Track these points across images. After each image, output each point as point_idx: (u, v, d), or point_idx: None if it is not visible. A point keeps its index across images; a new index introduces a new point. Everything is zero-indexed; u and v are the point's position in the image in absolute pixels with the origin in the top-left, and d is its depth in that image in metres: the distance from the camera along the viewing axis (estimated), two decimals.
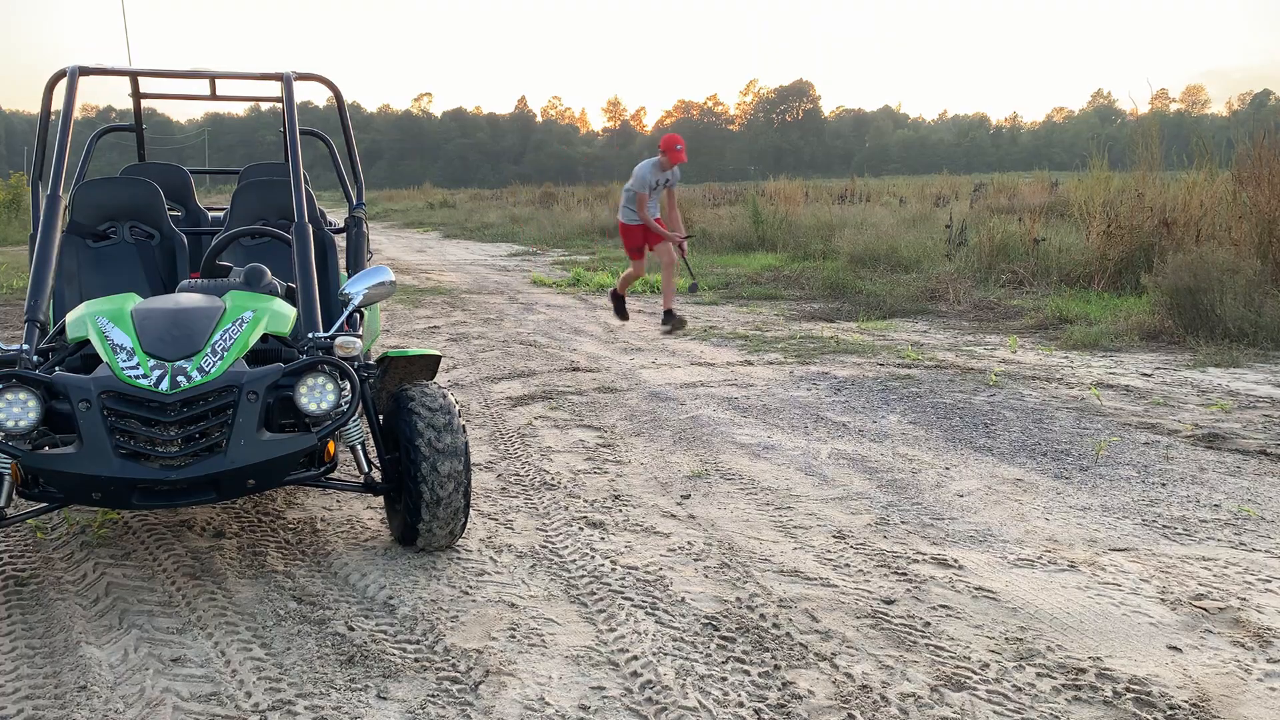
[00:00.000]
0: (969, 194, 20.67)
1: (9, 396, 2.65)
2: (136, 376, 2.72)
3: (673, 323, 8.22)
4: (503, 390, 5.86)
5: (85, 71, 3.74)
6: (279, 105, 4.33)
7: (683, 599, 2.92)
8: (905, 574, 3.10)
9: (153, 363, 2.76)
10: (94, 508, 3.50)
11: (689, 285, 9.17)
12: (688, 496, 3.89)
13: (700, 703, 2.34)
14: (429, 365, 3.52)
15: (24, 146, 48.63)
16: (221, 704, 2.34)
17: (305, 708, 2.32)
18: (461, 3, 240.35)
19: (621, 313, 8.60)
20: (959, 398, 5.56)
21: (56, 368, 2.98)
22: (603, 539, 3.42)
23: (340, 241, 4.51)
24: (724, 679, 2.45)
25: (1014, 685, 2.42)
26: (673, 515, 3.67)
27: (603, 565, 3.18)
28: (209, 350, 2.83)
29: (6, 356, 2.86)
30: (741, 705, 2.33)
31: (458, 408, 3.21)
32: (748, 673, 2.48)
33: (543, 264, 14.83)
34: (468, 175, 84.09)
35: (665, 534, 3.47)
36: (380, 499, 3.61)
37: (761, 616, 2.80)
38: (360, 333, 3.63)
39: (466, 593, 2.97)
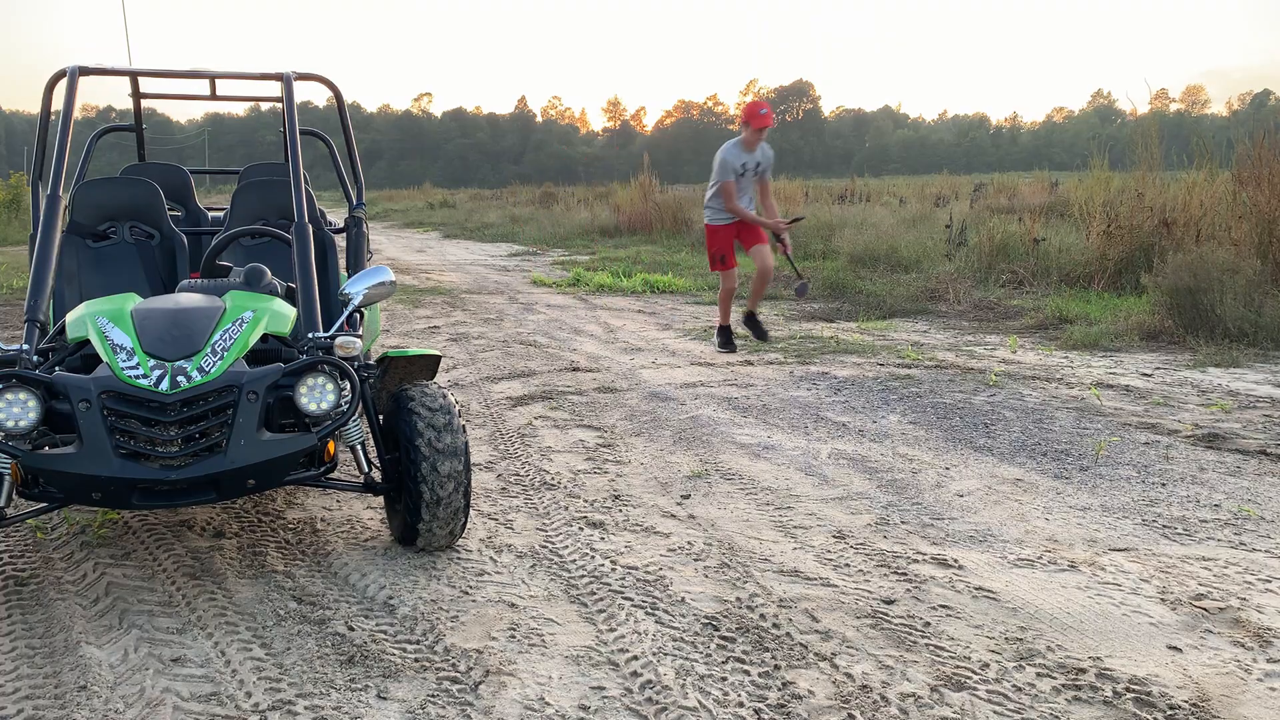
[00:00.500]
0: (969, 194, 20.68)
1: (9, 396, 2.65)
2: (136, 376, 2.72)
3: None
4: (503, 390, 5.86)
5: (85, 71, 3.74)
6: (279, 105, 4.33)
7: (683, 599, 2.92)
8: (905, 574, 3.10)
9: (153, 363, 2.76)
10: (94, 508, 3.50)
11: (797, 287, 7.56)
12: (688, 496, 3.89)
13: (700, 703, 2.34)
14: (429, 365, 3.52)
15: (24, 146, 48.63)
16: (221, 704, 2.34)
17: (305, 708, 2.32)
18: (461, 3, 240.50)
19: (728, 343, 7.15)
20: (959, 398, 5.56)
21: (56, 368, 2.98)
22: (603, 539, 3.42)
23: (340, 241, 4.51)
24: (724, 679, 2.45)
25: (1014, 685, 2.42)
26: (673, 515, 3.67)
27: (603, 565, 3.18)
28: (209, 350, 2.83)
29: (6, 356, 2.86)
30: (741, 705, 2.33)
31: (458, 408, 3.21)
32: (748, 673, 2.48)
33: (543, 264, 14.83)
34: (468, 175, 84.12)
35: (665, 534, 3.47)
36: (380, 499, 3.61)
37: (761, 616, 2.80)
38: (360, 333, 3.63)
39: (466, 593, 2.97)
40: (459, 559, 3.22)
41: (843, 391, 5.76)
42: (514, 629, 2.73)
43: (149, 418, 2.69)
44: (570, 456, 4.47)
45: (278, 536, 3.42)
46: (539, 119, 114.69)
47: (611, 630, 2.72)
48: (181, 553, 3.26)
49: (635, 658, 2.56)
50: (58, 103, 3.68)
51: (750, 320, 7.33)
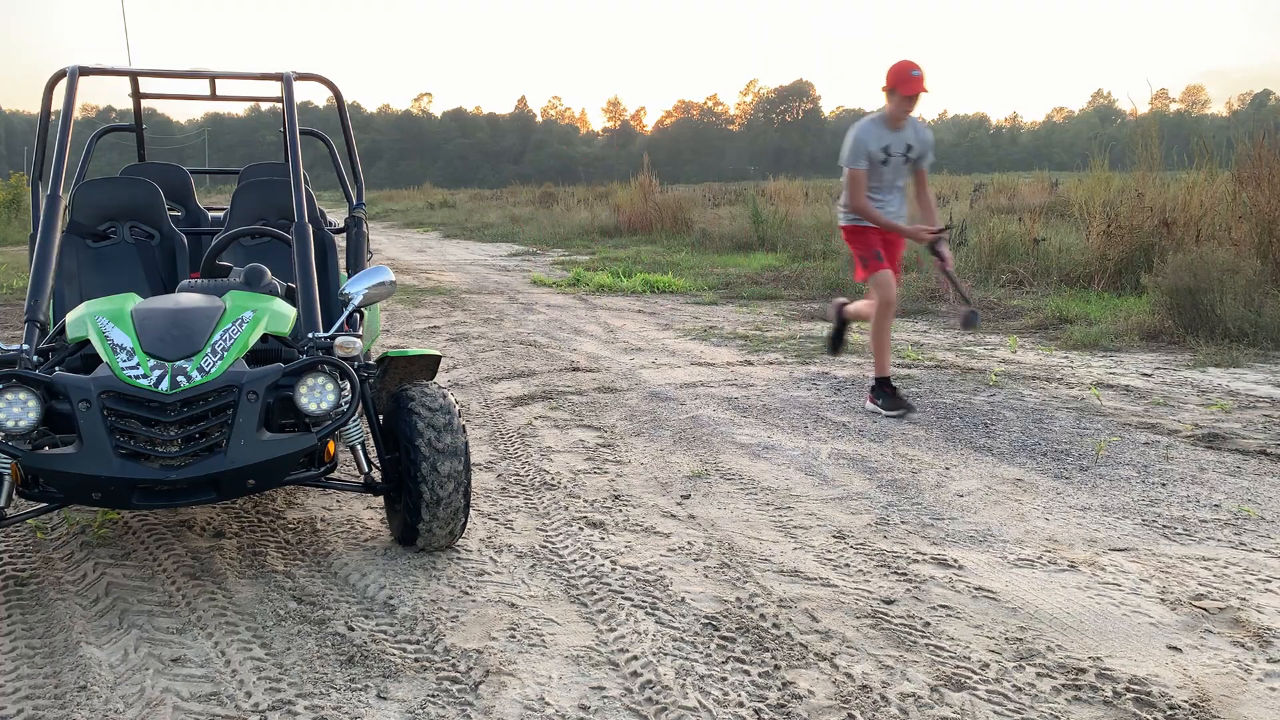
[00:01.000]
0: (969, 194, 20.67)
1: (9, 396, 2.65)
2: (136, 376, 2.72)
3: (889, 402, 5.17)
4: (503, 390, 5.86)
5: (85, 71, 3.74)
6: (279, 105, 4.33)
7: (683, 599, 2.92)
8: (905, 574, 3.10)
9: (153, 363, 2.76)
10: (94, 508, 3.50)
11: (965, 316, 5.22)
12: (688, 496, 3.89)
13: (700, 703, 2.34)
14: (429, 365, 3.52)
15: (24, 146, 48.66)
16: (221, 704, 2.34)
17: (305, 708, 2.32)
18: (461, 3, 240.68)
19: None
20: (959, 398, 5.56)
21: (56, 368, 2.98)
22: (603, 539, 3.42)
23: (340, 241, 4.51)
24: (724, 679, 2.45)
25: (1014, 685, 2.42)
26: (673, 515, 3.67)
27: (603, 565, 3.18)
28: (209, 350, 2.83)
29: (6, 356, 2.86)
30: (741, 705, 2.33)
31: (458, 408, 3.21)
32: (748, 673, 2.48)
33: (543, 264, 14.83)
34: (468, 175, 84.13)
35: (665, 534, 3.47)
36: (380, 499, 3.61)
37: (761, 616, 2.80)
38: (360, 333, 3.63)
39: (466, 593, 2.97)
40: (459, 559, 3.22)
41: (843, 391, 5.76)
42: (514, 629, 2.73)
43: (149, 418, 2.69)
44: (570, 456, 4.47)
45: (278, 536, 3.42)
46: (539, 119, 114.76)
47: (611, 630, 2.72)
48: (181, 553, 3.26)
49: (635, 658, 2.56)
50: (58, 103, 3.68)
51: (884, 388, 5.27)
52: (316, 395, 2.86)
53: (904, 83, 5.06)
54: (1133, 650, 2.60)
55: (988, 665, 2.52)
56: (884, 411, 5.17)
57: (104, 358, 2.81)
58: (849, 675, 2.47)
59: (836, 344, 5.95)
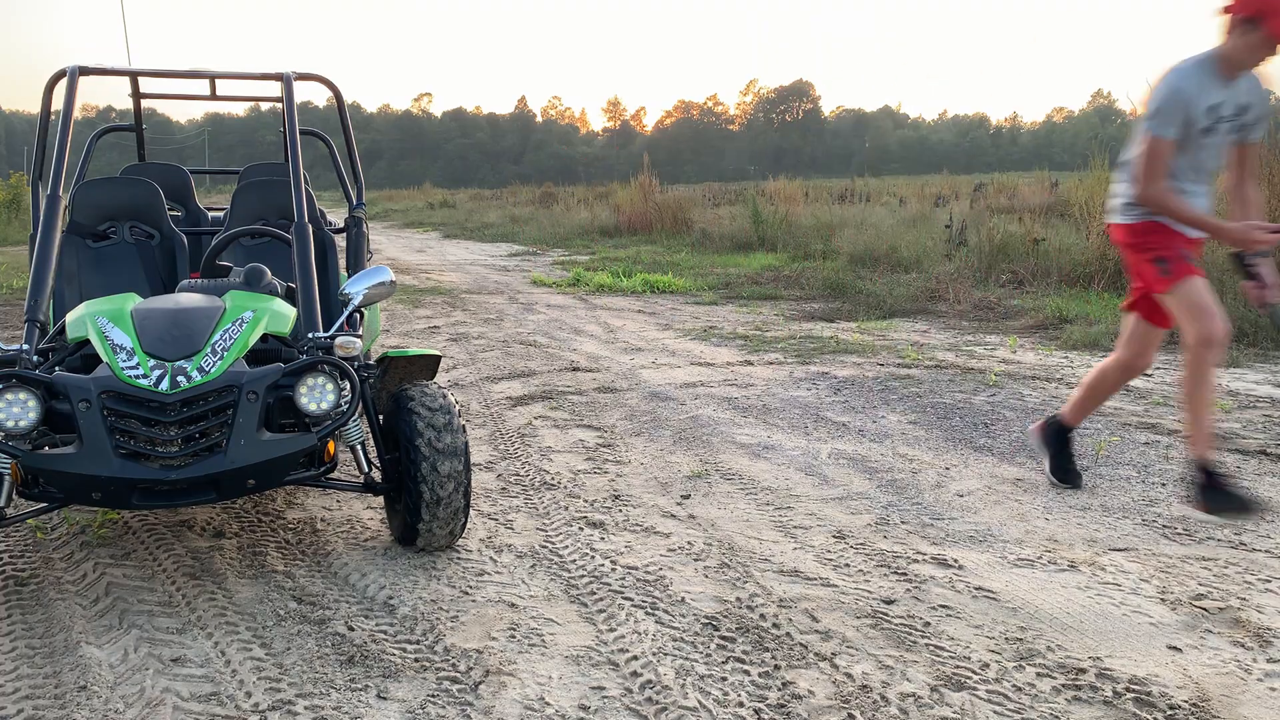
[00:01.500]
0: (969, 194, 20.69)
1: (9, 396, 2.65)
2: (136, 376, 2.72)
3: (1226, 500, 3.41)
4: (503, 390, 5.86)
5: (85, 71, 3.74)
6: (279, 105, 4.33)
7: (683, 599, 2.92)
8: (905, 574, 3.10)
9: (153, 363, 2.76)
10: (94, 508, 3.50)
11: None
12: (688, 496, 3.89)
13: (700, 703, 2.34)
14: (429, 365, 3.52)
15: (24, 146, 48.66)
16: (221, 704, 2.34)
17: (305, 708, 2.32)
18: (461, 3, 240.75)
19: (1069, 474, 3.94)
20: (959, 398, 5.56)
21: (56, 368, 2.98)
22: (603, 539, 3.42)
23: (340, 241, 4.51)
24: (724, 679, 2.45)
25: (1014, 685, 2.42)
26: (673, 515, 3.67)
27: (603, 565, 3.18)
28: (209, 350, 2.83)
29: (6, 356, 2.86)
30: (741, 705, 2.33)
31: (458, 408, 3.21)
32: (748, 673, 2.48)
33: (543, 264, 14.83)
34: (468, 175, 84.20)
35: (665, 534, 3.47)
36: (380, 499, 3.61)
37: (761, 616, 2.80)
38: (360, 333, 3.63)
39: (466, 593, 2.97)
40: (459, 559, 3.22)
41: (843, 391, 5.76)
42: (514, 629, 2.73)
43: (149, 418, 2.69)
44: (570, 456, 4.47)
45: (278, 536, 3.42)
46: (539, 119, 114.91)
47: (611, 630, 2.72)
48: (181, 553, 3.26)
49: (635, 658, 2.56)
50: (58, 103, 3.68)
51: (1210, 482, 3.47)
52: (316, 395, 2.86)
53: (1273, 17, 3.11)
54: (1133, 650, 2.60)
55: (988, 665, 2.52)
56: (1220, 517, 3.48)
57: (104, 358, 2.81)
58: (849, 675, 2.47)
59: (1067, 469, 3.96)
